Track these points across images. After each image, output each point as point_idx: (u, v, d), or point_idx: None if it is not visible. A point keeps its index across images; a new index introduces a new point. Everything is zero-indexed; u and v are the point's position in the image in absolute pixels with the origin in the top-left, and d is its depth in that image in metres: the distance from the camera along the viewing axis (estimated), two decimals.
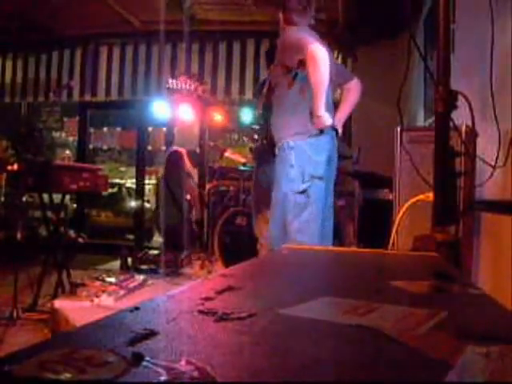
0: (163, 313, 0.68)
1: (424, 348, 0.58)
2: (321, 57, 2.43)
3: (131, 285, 3.75)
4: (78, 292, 3.46)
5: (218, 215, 4.70)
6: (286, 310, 0.72)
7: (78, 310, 3.07)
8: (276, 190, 2.63)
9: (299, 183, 2.55)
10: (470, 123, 1.97)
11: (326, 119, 2.55)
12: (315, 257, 1.56)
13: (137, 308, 0.66)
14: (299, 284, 1.02)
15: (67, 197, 4.23)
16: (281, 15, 2.78)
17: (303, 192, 2.55)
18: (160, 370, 0.44)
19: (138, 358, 0.46)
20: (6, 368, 0.42)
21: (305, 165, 2.55)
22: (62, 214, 4.07)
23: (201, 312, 0.67)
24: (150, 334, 0.55)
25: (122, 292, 3.51)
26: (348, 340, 0.62)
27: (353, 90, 2.86)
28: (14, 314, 3.23)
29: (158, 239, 7.51)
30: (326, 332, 0.64)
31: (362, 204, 2.80)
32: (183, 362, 0.46)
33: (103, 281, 3.76)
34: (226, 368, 0.48)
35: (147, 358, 0.47)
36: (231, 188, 4.98)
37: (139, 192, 7.02)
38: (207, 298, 0.76)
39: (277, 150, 2.71)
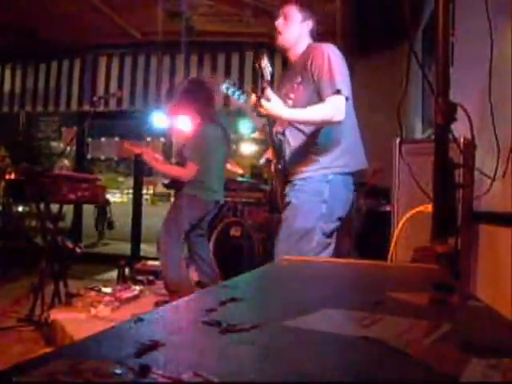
0: (168, 324, 0.68)
1: (430, 360, 0.57)
2: (339, 115, 2.27)
3: (127, 295, 3.74)
4: (74, 302, 3.44)
5: (214, 226, 4.69)
6: (289, 321, 0.72)
7: (74, 321, 3.06)
8: (301, 221, 2.38)
9: (328, 222, 2.38)
10: (468, 135, 1.98)
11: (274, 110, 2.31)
12: (316, 268, 1.55)
13: (141, 319, 0.66)
14: (301, 295, 1.01)
15: (64, 206, 4.21)
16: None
17: (330, 235, 2.41)
18: (168, 381, 0.44)
19: (145, 370, 0.46)
20: (14, 379, 0.41)
21: (336, 203, 2.39)
22: (60, 224, 4.05)
23: (205, 323, 0.67)
24: (156, 345, 0.55)
25: (118, 302, 3.49)
26: (353, 352, 0.62)
27: None
28: (10, 325, 3.21)
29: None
30: (331, 344, 0.64)
31: (364, 216, 2.74)
32: (191, 374, 0.46)
33: (99, 291, 3.75)
34: (233, 380, 0.48)
35: (154, 370, 0.46)
36: (229, 199, 4.99)
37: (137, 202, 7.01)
38: (211, 310, 0.75)
39: (301, 176, 2.46)
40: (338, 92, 2.27)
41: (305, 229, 2.37)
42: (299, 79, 2.47)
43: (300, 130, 2.47)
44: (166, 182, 3.97)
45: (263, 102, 2.30)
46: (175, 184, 3.89)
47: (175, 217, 3.73)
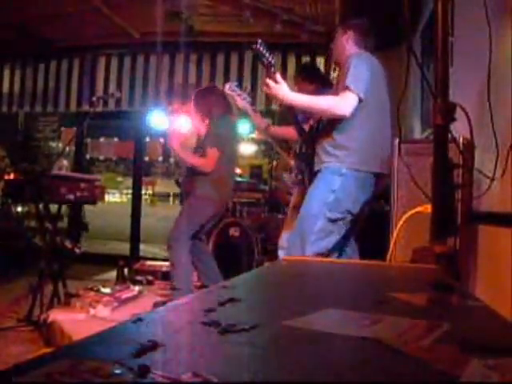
0: (167, 324, 0.68)
1: (430, 360, 0.57)
2: (343, 107, 2.45)
3: (126, 295, 3.73)
4: (73, 303, 3.43)
5: (213, 226, 4.70)
6: (289, 321, 0.72)
7: (73, 322, 3.05)
8: (309, 206, 2.56)
9: (334, 211, 2.51)
10: (467, 135, 1.98)
11: (282, 93, 2.53)
12: (315, 268, 1.55)
13: (140, 319, 0.66)
14: (300, 295, 1.01)
15: (63, 206, 4.21)
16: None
17: (334, 221, 2.52)
18: (167, 381, 0.44)
19: (144, 370, 0.46)
20: (13, 380, 0.41)
21: (345, 196, 2.52)
22: (59, 224, 4.04)
23: (204, 324, 0.67)
24: (155, 345, 0.54)
25: (117, 303, 3.49)
26: (353, 352, 0.62)
27: None
28: (9, 325, 3.20)
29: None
30: (331, 344, 0.64)
31: (366, 215, 2.77)
32: (190, 375, 0.46)
33: (98, 291, 3.74)
34: (232, 380, 0.48)
35: (154, 371, 0.46)
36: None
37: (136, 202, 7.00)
38: (210, 310, 0.75)
39: (320, 166, 2.65)
40: (348, 88, 2.43)
41: (310, 213, 2.53)
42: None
43: (326, 125, 2.67)
44: (180, 179, 4.00)
45: (271, 82, 2.51)
46: (186, 183, 3.92)
47: (187, 216, 3.77)
